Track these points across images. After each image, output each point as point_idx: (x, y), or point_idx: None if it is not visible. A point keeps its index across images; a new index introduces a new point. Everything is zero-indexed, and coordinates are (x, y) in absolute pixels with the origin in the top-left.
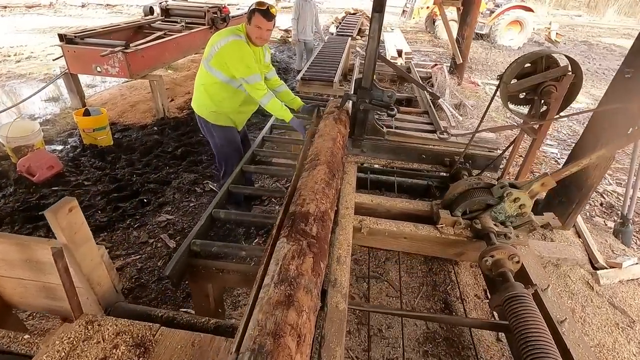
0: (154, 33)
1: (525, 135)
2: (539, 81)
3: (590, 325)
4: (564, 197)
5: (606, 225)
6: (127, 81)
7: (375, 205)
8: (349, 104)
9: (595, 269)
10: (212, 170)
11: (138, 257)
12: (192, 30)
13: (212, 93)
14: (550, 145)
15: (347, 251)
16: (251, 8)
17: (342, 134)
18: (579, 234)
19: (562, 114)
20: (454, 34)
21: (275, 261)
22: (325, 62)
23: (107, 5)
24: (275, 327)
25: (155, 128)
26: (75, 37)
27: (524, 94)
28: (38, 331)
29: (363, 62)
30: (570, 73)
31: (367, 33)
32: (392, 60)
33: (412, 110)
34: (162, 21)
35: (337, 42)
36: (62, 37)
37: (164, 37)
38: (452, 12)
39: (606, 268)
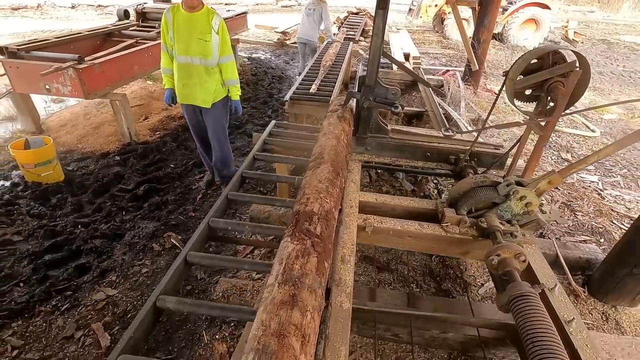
0: (125, 41)
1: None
2: (546, 77)
3: None
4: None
5: None
6: None
7: (380, 204)
8: (353, 102)
9: None
10: (179, 215)
11: None
12: None
13: (218, 75)
14: None
15: (351, 250)
16: None
17: (346, 132)
18: None
19: (569, 110)
20: (468, 35)
21: (279, 260)
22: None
23: (99, 6)
24: (279, 327)
25: (118, 157)
26: (19, 50)
27: (530, 90)
28: None
29: (366, 64)
30: (577, 69)
31: (371, 33)
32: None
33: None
34: (138, 27)
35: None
36: (3, 50)
37: (135, 46)
38: (462, 10)
39: None
